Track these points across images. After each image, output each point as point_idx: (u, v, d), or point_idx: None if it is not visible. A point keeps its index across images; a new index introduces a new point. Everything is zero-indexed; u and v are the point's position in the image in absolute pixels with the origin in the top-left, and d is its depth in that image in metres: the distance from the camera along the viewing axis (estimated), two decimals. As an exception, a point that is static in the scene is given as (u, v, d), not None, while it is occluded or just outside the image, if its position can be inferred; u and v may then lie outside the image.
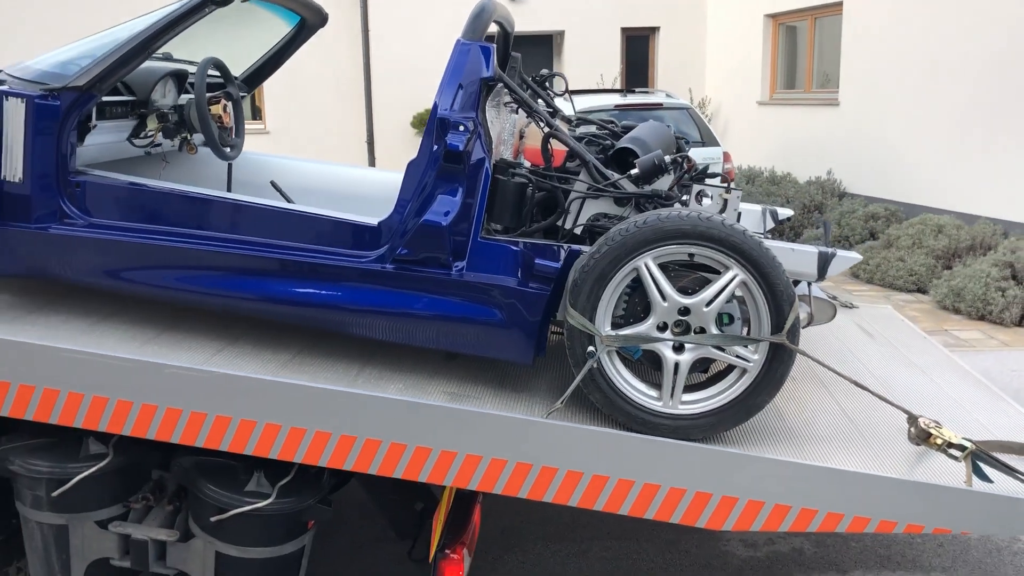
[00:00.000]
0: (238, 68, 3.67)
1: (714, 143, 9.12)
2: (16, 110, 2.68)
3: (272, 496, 2.62)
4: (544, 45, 15.05)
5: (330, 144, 14.05)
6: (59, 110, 2.70)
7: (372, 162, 14.63)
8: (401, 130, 14.39)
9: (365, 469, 2.50)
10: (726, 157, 9.12)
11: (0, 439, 2.82)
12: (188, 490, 2.76)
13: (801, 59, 12.29)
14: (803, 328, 3.04)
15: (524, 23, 14.32)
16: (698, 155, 8.86)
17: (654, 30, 14.84)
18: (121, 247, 2.76)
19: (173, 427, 2.53)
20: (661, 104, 9.36)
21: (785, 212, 3.78)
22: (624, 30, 14.68)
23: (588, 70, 14.15)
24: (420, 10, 14.15)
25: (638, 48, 15.04)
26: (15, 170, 2.71)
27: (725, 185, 2.89)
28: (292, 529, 2.75)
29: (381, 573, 3.44)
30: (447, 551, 2.58)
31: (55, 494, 2.71)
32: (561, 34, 14.68)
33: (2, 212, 2.75)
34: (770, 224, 3.71)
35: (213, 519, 2.65)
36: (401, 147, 14.43)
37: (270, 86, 12.18)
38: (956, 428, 2.74)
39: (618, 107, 9.17)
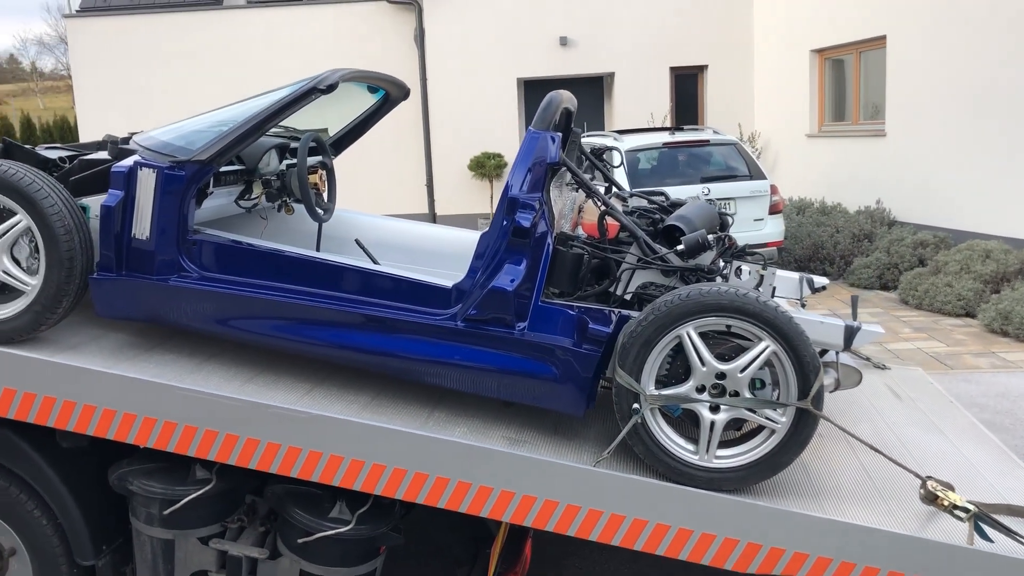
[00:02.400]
0: (329, 133, 4.11)
1: (761, 176, 9.41)
2: (148, 178, 3.12)
3: (352, 523, 3.00)
4: (595, 87, 15.48)
5: (391, 189, 14.70)
6: (183, 179, 3.13)
7: (431, 204, 15.17)
8: (458, 174, 14.94)
9: (435, 503, 2.86)
10: (773, 190, 9.38)
11: (121, 462, 3.25)
12: (278, 514, 3.15)
13: (848, 92, 12.51)
14: (831, 392, 3.34)
15: (574, 66, 14.83)
16: (746, 188, 9.20)
17: (702, 68, 15.17)
18: (227, 298, 3.17)
19: (272, 459, 2.92)
20: (708, 140, 9.64)
21: (821, 281, 4.02)
22: (673, 69, 15.05)
23: (638, 109, 14.58)
24: (475, 61, 14.75)
25: (687, 86, 15.40)
26: (143, 229, 3.14)
27: (762, 262, 3.21)
28: (367, 553, 3.11)
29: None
30: None
31: (166, 512, 3.12)
32: (611, 75, 15.09)
33: (129, 264, 3.18)
34: (807, 292, 3.95)
35: (300, 541, 3.03)
36: (458, 190, 14.98)
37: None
38: (968, 489, 3.00)
39: (666, 144, 9.49)
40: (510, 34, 14.74)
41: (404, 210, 14.63)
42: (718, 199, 9.06)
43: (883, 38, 11.12)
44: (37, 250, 3.04)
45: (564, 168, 3.16)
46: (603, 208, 3.22)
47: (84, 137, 15.35)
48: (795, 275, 3.95)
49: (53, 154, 3.45)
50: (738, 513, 2.77)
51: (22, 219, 3.01)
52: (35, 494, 3.27)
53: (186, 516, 3.14)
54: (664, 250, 3.13)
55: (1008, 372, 6.20)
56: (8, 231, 3.03)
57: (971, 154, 9.64)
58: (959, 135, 9.79)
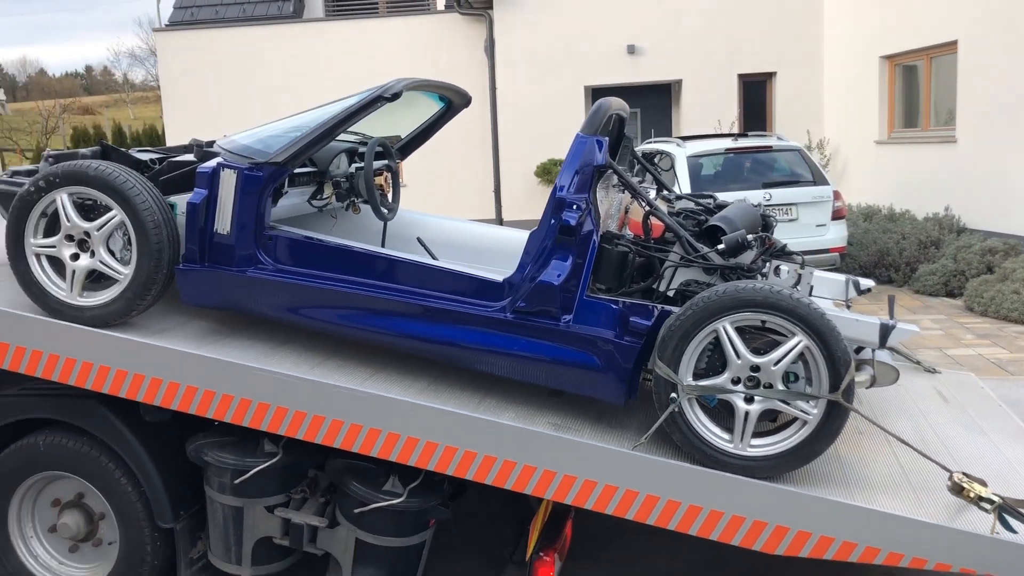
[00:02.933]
0: (400, 137, 4.40)
1: (824, 182, 9.40)
2: (229, 178, 3.43)
3: (403, 496, 3.25)
4: (663, 94, 15.57)
5: (460, 194, 15.05)
6: (261, 179, 3.43)
7: (499, 209, 15.47)
8: (525, 179, 15.21)
9: (483, 480, 3.09)
10: (836, 195, 9.36)
11: (198, 436, 3.56)
12: (337, 486, 3.42)
13: (918, 98, 12.37)
14: (867, 389, 3.46)
15: (643, 74, 14.96)
16: (808, 194, 9.22)
17: (771, 75, 15.14)
18: (299, 289, 3.45)
19: (335, 435, 3.19)
20: (771, 147, 9.67)
21: (867, 283, 4.09)
22: (741, 76, 15.04)
23: (706, 116, 14.62)
24: (543, 69, 15.01)
25: (755, 93, 15.36)
26: (224, 224, 3.44)
27: (800, 262, 3.36)
28: (417, 524, 3.36)
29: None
30: (541, 554, 3.13)
31: (236, 482, 3.42)
32: (679, 83, 15.16)
33: (212, 257, 3.49)
34: (852, 294, 4.04)
35: (356, 511, 3.29)
36: (525, 195, 15.26)
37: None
38: (1003, 486, 3.09)
39: (729, 150, 9.55)
40: (578, 43, 14.94)
41: (472, 215, 14.94)
42: (780, 204, 9.09)
43: (954, 43, 11.00)
44: (130, 242, 3.37)
45: (611, 170, 3.36)
46: (647, 209, 3.41)
47: (171, 145, 16.08)
48: (841, 277, 4.06)
49: (145, 156, 3.79)
50: (767, 497, 2.92)
51: (117, 214, 3.34)
52: (122, 463, 3.60)
53: (254, 486, 3.43)
54: (706, 249, 3.31)
55: None
56: (105, 225, 3.37)
57: None
58: None
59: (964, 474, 2.98)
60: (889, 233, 10.99)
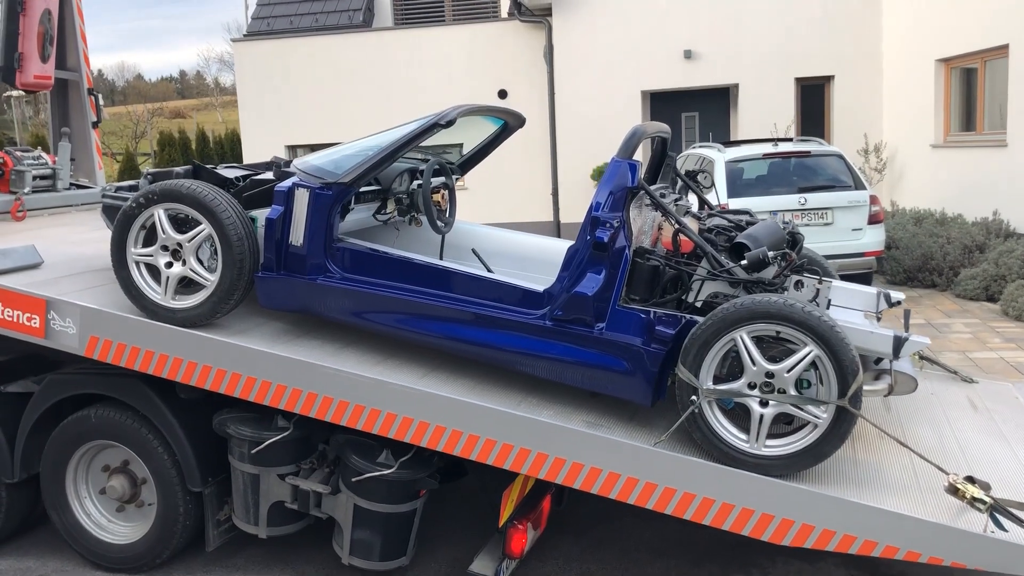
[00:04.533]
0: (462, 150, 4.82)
1: (862, 187, 9.50)
2: (302, 196, 3.86)
3: (394, 467, 3.72)
4: (721, 98, 15.69)
5: (520, 197, 15.41)
6: (331, 198, 3.85)
7: (556, 211, 15.79)
8: (582, 182, 15.51)
9: (518, 469, 3.47)
10: (873, 200, 9.45)
11: (223, 411, 4.08)
12: (340, 458, 3.89)
13: (974, 102, 12.33)
14: (884, 397, 3.71)
15: (699, 78, 15.13)
16: (843, 198, 9.35)
17: (829, 79, 15.11)
18: (364, 296, 3.86)
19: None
20: (810, 152, 9.77)
21: (897, 296, 4.28)
22: (798, 80, 15.05)
23: (763, 119, 14.68)
24: (601, 74, 15.27)
25: (813, 96, 15.35)
26: (298, 237, 3.88)
27: (818, 277, 3.65)
28: (408, 494, 3.83)
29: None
30: (515, 522, 3.55)
31: (253, 452, 3.93)
32: (736, 87, 15.26)
33: (287, 266, 3.93)
34: (883, 306, 4.25)
35: (353, 480, 3.76)
36: (582, 197, 15.57)
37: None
38: (1010, 490, 3.33)
39: (766, 155, 9.72)
40: (636, 48, 15.18)
41: (531, 218, 15.31)
42: (815, 209, 9.24)
43: (1005, 47, 10.98)
44: (216, 253, 3.82)
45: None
46: (676, 228, 3.74)
47: (247, 149, 16.81)
48: (873, 290, 4.27)
49: (230, 173, 4.25)
50: (775, 493, 3.22)
51: (205, 228, 3.80)
52: (159, 434, 4.15)
53: (269, 456, 3.95)
54: (730, 264, 3.62)
55: None
56: (195, 237, 3.83)
57: None
58: None
59: (967, 477, 3.22)
60: (935, 237, 10.96)
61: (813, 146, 9.97)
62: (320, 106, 16.38)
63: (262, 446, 3.91)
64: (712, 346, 3.32)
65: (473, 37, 16.03)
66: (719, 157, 9.65)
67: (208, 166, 4.29)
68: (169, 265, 3.89)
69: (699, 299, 3.65)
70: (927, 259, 10.80)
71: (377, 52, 16.24)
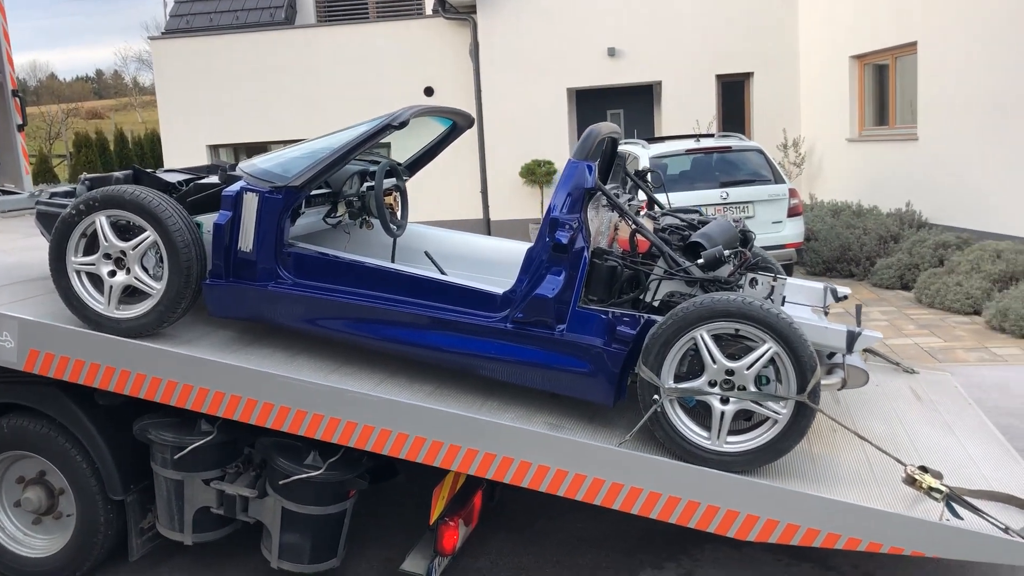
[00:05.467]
0: (403, 157, 4.73)
1: (781, 180, 9.79)
2: (251, 200, 3.75)
3: (322, 469, 3.64)
4: (644, 95, 15.94)
5: (448, 196, 15.34)
6: (281, 202, 3.75)
7: (486, 210, 15.81)
8: (511, 181, 15.58)
9: (484, 474, 3.43)
10: (792, 193, 9.74)
11: (144, 416, 3.94)
12: (266, 461, 3.80)
13: (886, 97, 12.81)
14: (839, 391, 3.80)
15: (623, 75, 15.35)
16: (764, 192, 9.62)
17: (748, 76, 15.53)
18: (317, 301, 3.77)
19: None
20: (731, 147, 10.02)
21: (844, 290, 4.39)
22: (719, 77, 15.42)
23: (685, 116, 15.00)
24: (526, 72, 15.38)
25: (733, 93, 15.76)
26: (247, 243, 3.76)
27: (772, 275, 3.71)
28: (337, 495, 3.76)
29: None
30: (447, 519, 3.53)
31: (176, 457, 3.81)
32: (659, 84, 15.53)
33: (236, 272, 3.81)
34: (830, 300, 4.36)
35: (281, 483, 3.68)
36: (511, 195, 15.66)
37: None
38: (960, 478, 3.45)
39: (689, 151, 9.92)
40: (561, 46, 15.28)
41: (461, 216, 15.26)
42: (737, 203, 9.48)
43: (914, 44, 11.44)
44: (162, 260, 3.68)
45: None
46: (633, 227, 3.75)
47: (168, 150, 16.33)
48: (819, 285, 4.38)
49: (173, 178, 4.10)
50: (740, 489, 3.26)
51: (151, 234, 3.65)
52: (78, 443, 4.01)
53: (192, 461, 3.84)
54: (687, 263, 3.65)
55: (992, 366, 6.64)
56: (140, 244, 3.68)
57: (993, 156, 9.97)
58: (982, 138, 10.12)
59: (920, 467, 3.33)
60: (852, 228, 11.35)
61: (734, 141, 10.20)
62: (243, 105, 16.03)
63: (185, 451, 3.80)
64: (673, 345, 3.34)
65: (397, 34, 15.88)
66: (643, 153, 9.81)
67: (148, 170, 4.13)
68: (112, 274, 3.73)
69: (656, 298, 3.68)
70: (845, 250, 11.16)
71: (300, 50, 15.96)
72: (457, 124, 4.67)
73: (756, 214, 9.51)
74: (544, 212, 3.60)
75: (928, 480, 3.25)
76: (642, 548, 4.13)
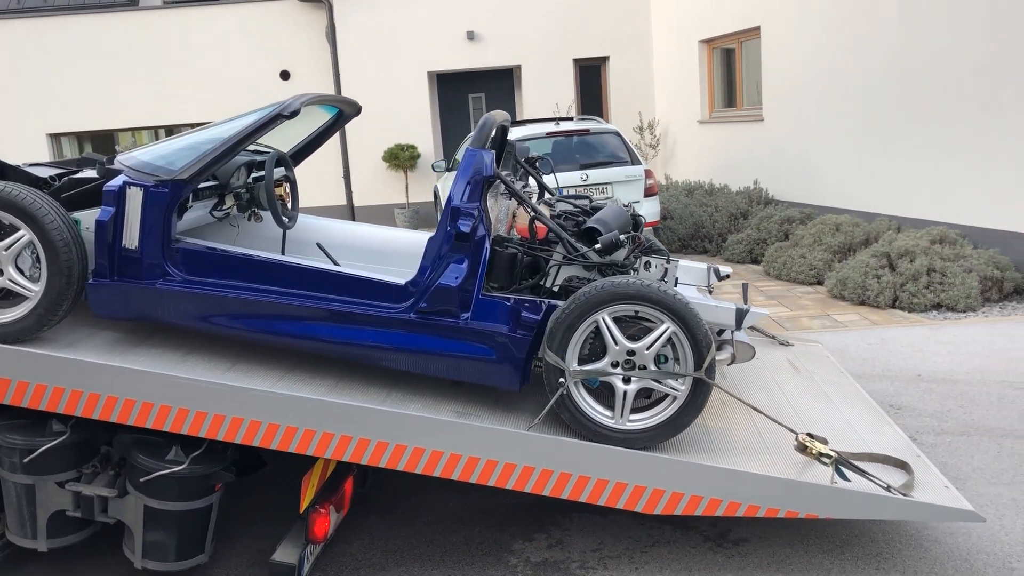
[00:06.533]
0: (287, 146, 4.59)
1: (637, 162, 10.09)
2: (135, 195, 3.57)
3: (185, 463, 3.53)
4: (505, 78, 16.07)
5: (311, 182, 14.97)
6: (168, 196, 3.59)
7: (349, 195, 15.56)
8: (374, 165, 15.40)
9: (394, 466, 3.42)
10: (648, 174, 10.05)
11: None
12: (126, 459, 3.65)
13: (734, 80, 13.44)
14: (729, 366, 3.99)
15: (483, 60, 15.44)
16: (621, 173, 9.87)
17: (604, 59, 15.92)
18: (208, 298, 3.63)
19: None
20: (588, 130, 10.25)
21: (726, 270, 4.61)
22: (576, 61, 15.74)
23: (545, 100, 15.26)
24: (386, 55, 15.20)
25: (591, 77, 16.13)
26: (132, 239, 3.58)
27: (666, 257, 3.85)
28: (202, 489, 3.64)
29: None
30: (317, 507, 3.53)
31: (26, 460, 3.58)
32: (519, 68, 15.69)
33: (121, 271, 3.62)
34: (713, 280, 4.56)
35: (142, 480, 3.54)
36: (374, 181, 15.48)
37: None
38: (842, 442, 3.69)
39: (549, 134, 10.10)
40: (420, 30, 15.17)
41: (324, 202, 14.95)
42: (596, 184, 9.76)
43: (757, 28, 12.06)
44: (39, 260, 3.45)
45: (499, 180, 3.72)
46: (532, 215, 3.81)
47: (2, 138, 15.14)
48: (703, 266, 4.57)
49: (43, 173, 3.84)
50: (645, 464, 3.38)
51: (25, 233, 3.42)
52: None
53: (44, 463, 3.63)
54: (584, 248, 3.74)
55: (833, 331, 7.18)
56: (13, 244, 3.43)
57: (830, 136, 10.69)
58: (820, 118, 10.83)
59: (808, 434, 3.55)
60: (705, 207, 11.89)
61: (592, 124, 10.42)
62: (85, 91, 15.09)
63: (36, 453, 3.58)
64: (576, 329, 3.42)
65: (248, 17, 15.31)
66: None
67: (13, 164, 3.85)
68: (-18, 277, 3.48)
69: (556, 284, 3.75)
70: (698, 227, 11.65)
71: (145, 33, 15.15)
72: (343, 112, 4.59)
73: (615, 195, 9.77)
74: (445, 202, 3.59)
75: (817, 446, 3.47)
76: (512, 522, 4.20)
